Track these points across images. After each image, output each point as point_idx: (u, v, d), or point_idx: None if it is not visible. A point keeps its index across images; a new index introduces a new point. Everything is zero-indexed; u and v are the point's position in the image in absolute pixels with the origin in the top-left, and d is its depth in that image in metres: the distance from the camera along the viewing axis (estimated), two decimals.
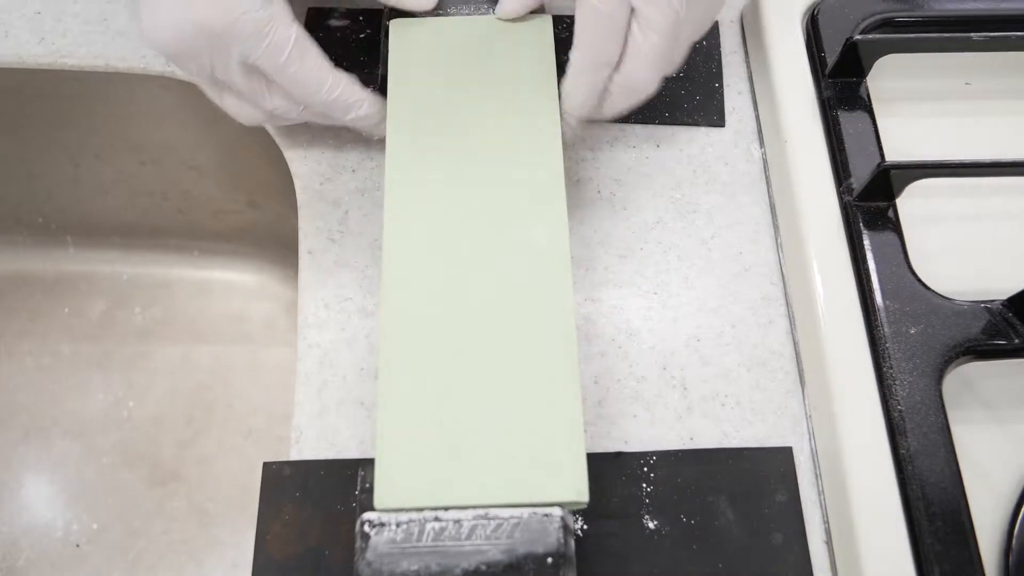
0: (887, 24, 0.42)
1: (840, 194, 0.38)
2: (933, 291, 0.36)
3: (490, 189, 0.34)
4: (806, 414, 0.37)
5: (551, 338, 0.31)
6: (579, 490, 0.29)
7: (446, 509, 0.29)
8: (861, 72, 0.41)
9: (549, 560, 0.28)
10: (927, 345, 0.34)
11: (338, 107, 0.36)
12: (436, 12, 0.37)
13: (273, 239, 0.62)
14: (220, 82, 0.35)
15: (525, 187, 0.34)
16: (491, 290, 0.32)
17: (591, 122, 0.37)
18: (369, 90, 0.36)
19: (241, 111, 0.37)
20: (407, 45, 0.37)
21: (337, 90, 0.35)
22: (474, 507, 0.29)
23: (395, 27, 0.38)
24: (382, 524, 0.29)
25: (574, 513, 0.34)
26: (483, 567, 0.28)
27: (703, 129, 0.43)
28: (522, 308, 0.32)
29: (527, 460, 0.29)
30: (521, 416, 0.30)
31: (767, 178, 0.42)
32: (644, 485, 0.35)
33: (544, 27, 0.38)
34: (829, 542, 0.34)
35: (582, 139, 0.42)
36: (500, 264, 0.33)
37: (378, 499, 0.29)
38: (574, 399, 0.30)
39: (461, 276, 0.32)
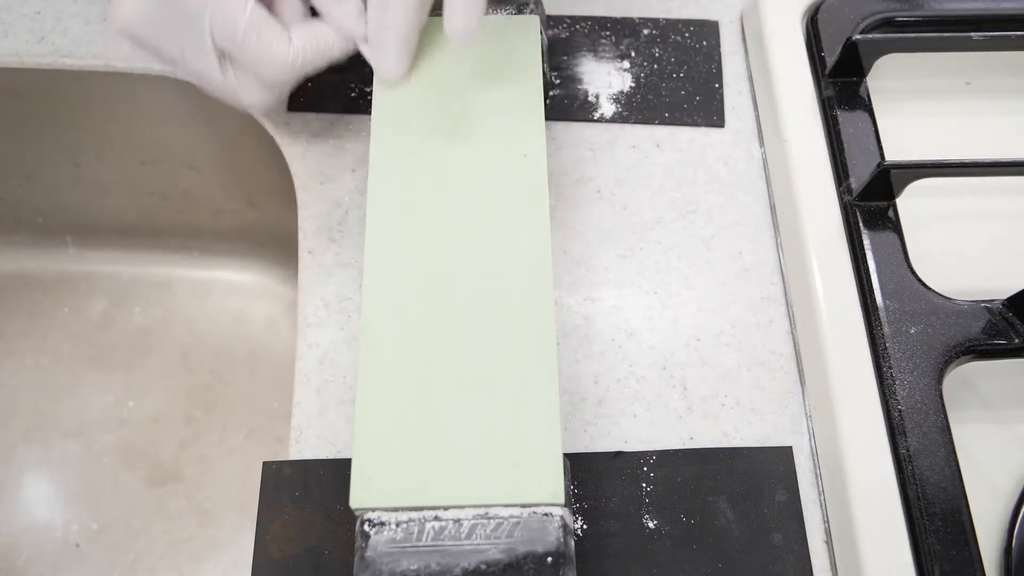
0: (887, 24, 0.42)
1: (840, 194, 0.38)
2: (933, 291, 0.36)
3: (473, 192, 0.34)
4: (806, 414, 0.37)
5: (530, 340, 0.31)
6: (554, 492, 0.29)
7: (419, 509, 0.29)
8: (861, 72, 0.41)
9: (549, 560, 0.28)
10: (927, 345, 0.34)
11: (313, 66, 0.35)
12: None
13: (273, 239, 0.62)
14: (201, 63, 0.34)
15: (509, 190, 0.34)
16: (472, 292, 0.32)
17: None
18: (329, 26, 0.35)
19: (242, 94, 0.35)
20: None
21: (300, 58, 0.34)
22: (451, 507, 0.29)
23: None
24: (382, 523, 0.29)
25: (574, 513, 0.34)
26: (483, 566, 0.28)
27: (703, 129, 0.43)
28: (502, 310, 0.32)
29: (503, 461, 0.29)
30: (498, 417, 0.30)
31: (767, 178, 0.42)
32: (644, 485, 0.34)
33: (531, 28, 0.38)
34: (829, 542, 0.34)
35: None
36: (481, 267, 0.33)
37: (353, 498, 0.29)
38: (552, 401, 0.30)
39: (442, 278, 0.32)
